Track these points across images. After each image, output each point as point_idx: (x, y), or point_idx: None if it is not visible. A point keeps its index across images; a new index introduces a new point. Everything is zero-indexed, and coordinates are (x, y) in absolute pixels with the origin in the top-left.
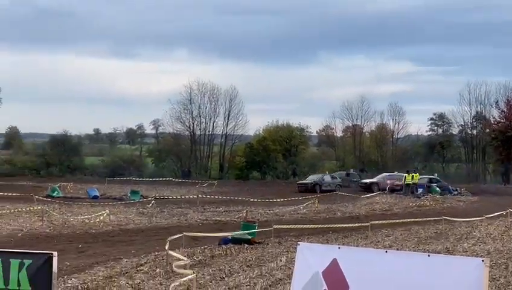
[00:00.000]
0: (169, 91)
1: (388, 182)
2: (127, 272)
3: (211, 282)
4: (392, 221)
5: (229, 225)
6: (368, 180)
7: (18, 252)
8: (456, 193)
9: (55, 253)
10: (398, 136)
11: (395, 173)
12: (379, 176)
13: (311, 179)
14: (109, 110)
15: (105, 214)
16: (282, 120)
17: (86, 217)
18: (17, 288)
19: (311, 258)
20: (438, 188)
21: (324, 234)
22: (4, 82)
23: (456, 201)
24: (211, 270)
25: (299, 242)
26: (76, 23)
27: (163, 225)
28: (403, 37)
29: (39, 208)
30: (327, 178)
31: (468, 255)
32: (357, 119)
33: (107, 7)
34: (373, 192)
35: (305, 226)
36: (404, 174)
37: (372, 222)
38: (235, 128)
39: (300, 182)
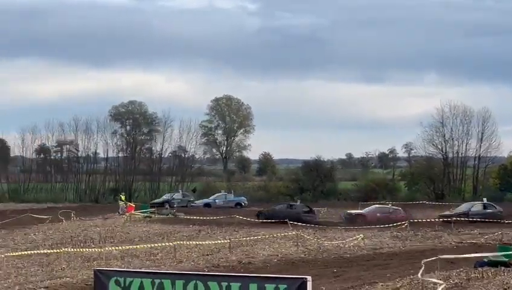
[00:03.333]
0: (420, 114)
1: (378, 214)
2: None
3: None
4: None
5: (484, 247)
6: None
7: (273, 277)
8: None
9: (309, 277)
10: None
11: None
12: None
13: None
14: (361, 135)
15: (359, 238)
16: None
17: (341, 241)
18: None
19: None
20: None
21: None
22: (257, 109)
23: None
24: None
25: None
26: (325, 49)
27: (418, 248)
28: None
29: (294, 233)
30: None
31: None
32: None
33: (356, 33)
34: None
35: None
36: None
37: None
38: (488, 150)
39: None
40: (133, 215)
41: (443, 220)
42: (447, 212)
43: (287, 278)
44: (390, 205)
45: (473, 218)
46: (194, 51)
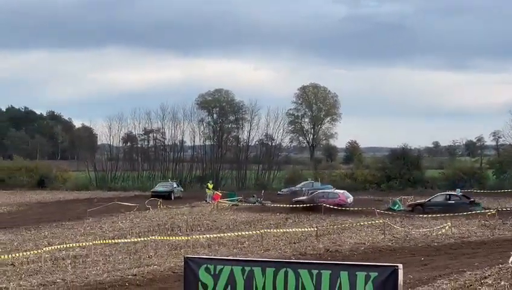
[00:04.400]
0: (508, 102)
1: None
2: (470, 285)
3: None
4: None
5: None
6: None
7: (363, 265)
8: None
9: (400, 265)
10: None
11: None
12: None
13: None
14: (447, 123)
15: (447, 227)
16: None
17: (428, 230)
18: None
19: None
20: None
21: None
22: (344, 97)
23: None
24: None
25: None
26: (410, 36)
27: (507, 237)
28: None
29: (381, 221)
30: None
31: None
32: None
33: (439, 21)
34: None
35: None
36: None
37: None
38: None
39: None
40: (220, 203)
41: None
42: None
43: (378, 265)
44: (334, 189)
45: (431, 208)
46: (280, 39)
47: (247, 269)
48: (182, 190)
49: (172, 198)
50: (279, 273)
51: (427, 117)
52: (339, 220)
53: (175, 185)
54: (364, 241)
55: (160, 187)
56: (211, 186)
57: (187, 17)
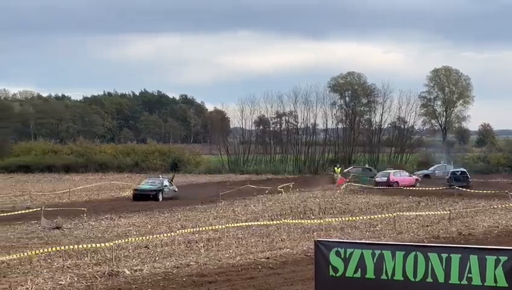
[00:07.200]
0: None
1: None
2: None
3: None
4: None
5: None
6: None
7: (494, 248)
8: None
9: None
10: None
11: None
12: None
13: None
14: None
15: None
16: None
17: None
18: (494, 285)
19: None
20: None
21: None
22: (476, 80)
23: None
24: None
25: None
26: None
27: None
28: None
29: None
30: None
31: None
32: None
33: None
34: None
35: None
36: None
37: None
38: None
39: None
40: (351, 186)
41: None
42: None
43: (508, 250)
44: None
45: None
46: (408, 22)
47: (377, 252)
48: (176, 190)
49: (160, 199)
50: (409, 256)
51: None
52: (472, 203)
53: (166, 183)
54: (497, 225)
55: (146, 185)
56: (338, 170)
57: (317, 1)
